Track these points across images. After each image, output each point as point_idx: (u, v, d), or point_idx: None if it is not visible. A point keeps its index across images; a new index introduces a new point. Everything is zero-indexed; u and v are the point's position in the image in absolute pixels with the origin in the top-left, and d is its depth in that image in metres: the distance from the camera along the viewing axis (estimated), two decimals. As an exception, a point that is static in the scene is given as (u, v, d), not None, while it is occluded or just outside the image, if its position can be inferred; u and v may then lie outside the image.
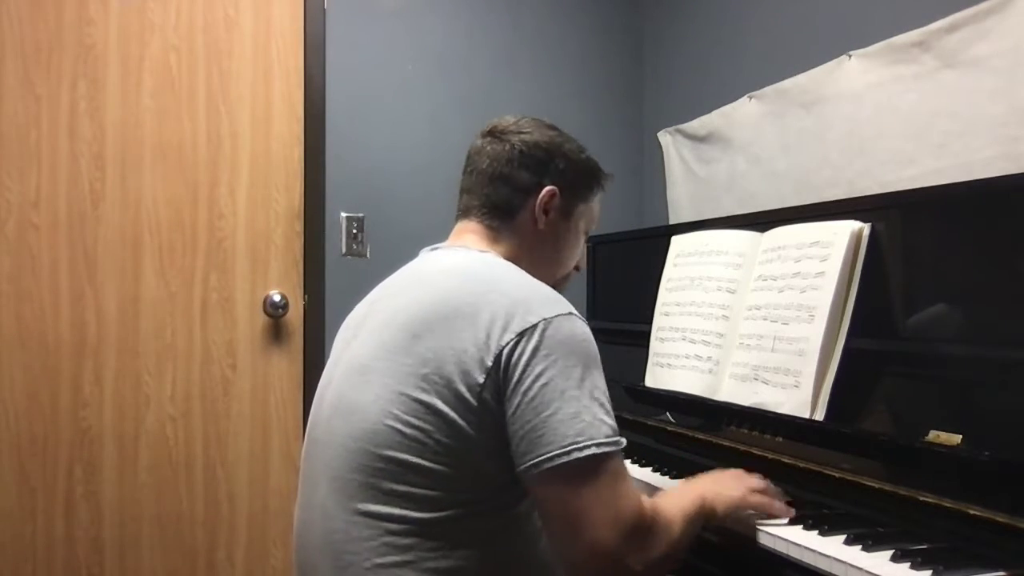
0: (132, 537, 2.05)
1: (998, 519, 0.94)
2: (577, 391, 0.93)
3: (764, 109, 2.08)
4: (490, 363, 0.93)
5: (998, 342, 1.09)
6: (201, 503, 2.12)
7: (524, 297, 0.98)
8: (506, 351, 0.93)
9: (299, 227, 2.23)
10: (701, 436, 1.46)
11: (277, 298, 2.17)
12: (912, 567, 0.91)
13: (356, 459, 0.97)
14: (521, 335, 0.94)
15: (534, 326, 0.94)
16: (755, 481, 1.15)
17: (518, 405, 0.93)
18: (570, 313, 0.98)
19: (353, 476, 0.97)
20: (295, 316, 2.22)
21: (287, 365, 2.21)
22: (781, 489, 1.17)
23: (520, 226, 1.15)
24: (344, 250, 2.28)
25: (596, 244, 2.16)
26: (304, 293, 2.23)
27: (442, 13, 2.41)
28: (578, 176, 1.19)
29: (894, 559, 0.94)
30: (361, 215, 2.30)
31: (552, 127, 1.20)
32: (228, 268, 2.15)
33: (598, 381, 0.96)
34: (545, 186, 1.15)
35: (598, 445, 0.91)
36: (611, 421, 0.95)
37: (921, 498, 1.04)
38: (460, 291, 1.00)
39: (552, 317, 0.95)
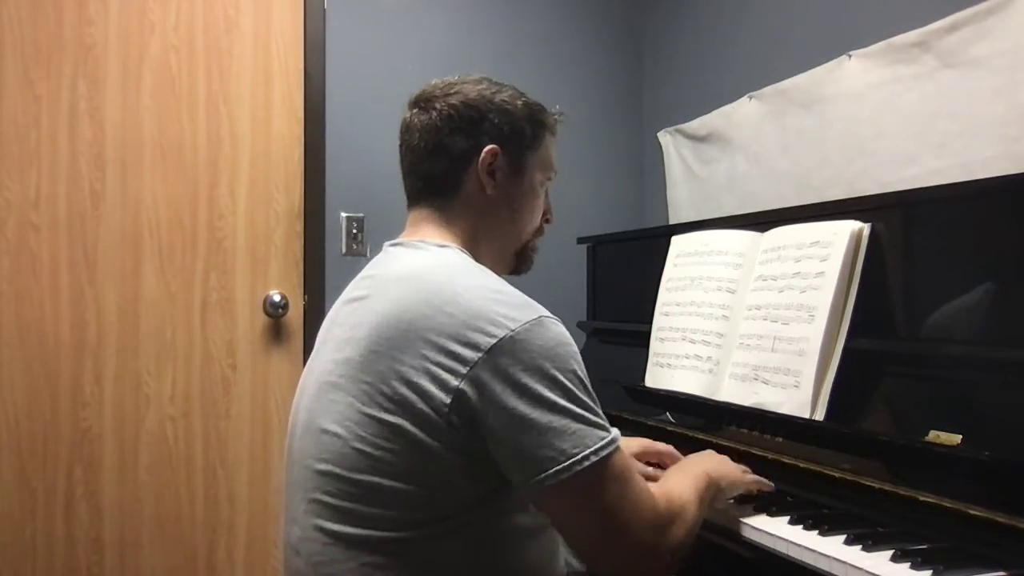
0: (132, 537, 2.05)
1: (998, 519, 0.94)
2: (562, 400, 0.89)
3: (764, 109, 2.08)
4: (456, 383, 0.88)
5: (998, 342, 1.09)
6: (201, 503, 2.12)
7: (485, 308, 0.91)
8: (474, 370, 0.88)
9: (299, 227, 2.23)
10: (701, 436, 1.46)
11: (277, 298, 2.17)
12: (912, 567, 0.91)
13: (328, 482, 0.95)
14: (489, 351, 0.88)
15: (500, 339, 0.88)
16: (741, 466, 1.22)
17: (500, 425, 0.88)
18: (539, 317, 0.92)
19: (327, 499, 0.95)
20: (295, 316, 2.22)
21: (287, 365, 2.21)
22: (777, 488, 1.19)
23: (469, 197, 1.07)
24: (344, 250, 2.28)
25: (596, 244, 2.16)
26: (304, 293, 2.23)
27: (443, 13, 2.41)
28: (519, 126, 1.08)
29: (894, 559, 0.94)
30: (361, 215, 2.30)
31: (482, 80, 1.10)
32: (228, 268, 2.15)
33: (579, 382, 0.91)
34: (484, 147, 1.06)
35: (596, 452, 0.88)
36: (600, 419, 0.91)
37: (921, 498, 1.04)
38: (416, 302, 0.93)
39: (518, 327, 0.89)
